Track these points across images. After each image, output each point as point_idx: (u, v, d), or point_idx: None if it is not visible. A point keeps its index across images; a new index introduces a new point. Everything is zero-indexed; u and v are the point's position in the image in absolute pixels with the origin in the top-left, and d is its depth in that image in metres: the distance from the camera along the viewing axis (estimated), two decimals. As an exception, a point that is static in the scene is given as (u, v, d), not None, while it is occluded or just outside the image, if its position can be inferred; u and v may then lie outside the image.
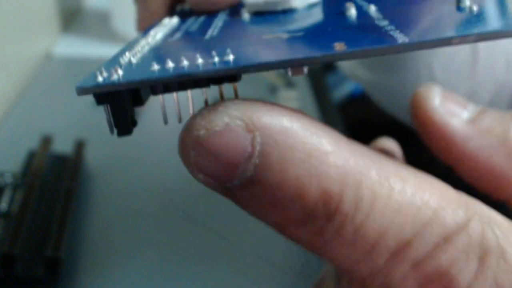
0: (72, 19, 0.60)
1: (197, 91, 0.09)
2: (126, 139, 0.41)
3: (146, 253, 0.28)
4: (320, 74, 0.49)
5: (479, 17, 0.09)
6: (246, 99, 0.08)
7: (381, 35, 0.09)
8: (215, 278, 0.26)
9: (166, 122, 0.10)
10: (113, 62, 0.09)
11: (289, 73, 0.09)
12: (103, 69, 0.09)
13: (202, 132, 0.08)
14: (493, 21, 0.08)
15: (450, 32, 0.08)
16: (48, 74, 0.48)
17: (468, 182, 0.10)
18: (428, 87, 0.10)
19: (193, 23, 0.14)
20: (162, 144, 0.39)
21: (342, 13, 0.11)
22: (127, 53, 0.10)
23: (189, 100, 0.09)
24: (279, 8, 0.13)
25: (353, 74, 0.34)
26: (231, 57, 0.08)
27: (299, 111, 0.09)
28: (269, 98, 0.39)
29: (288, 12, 0.13)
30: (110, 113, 0.09)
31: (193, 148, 0.08)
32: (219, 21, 0.13)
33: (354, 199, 0.08)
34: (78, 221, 0.29)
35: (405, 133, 0.20)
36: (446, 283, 0.08)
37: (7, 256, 0.24)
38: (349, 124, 0.42)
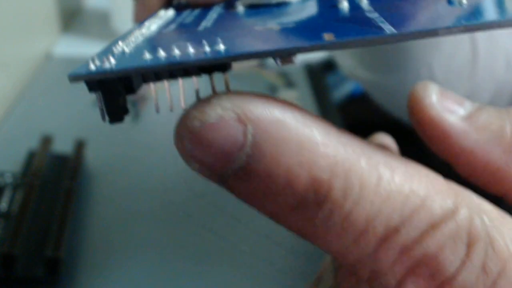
0: (72, 19, 0.60)
1: (190, 85, 0.09)
2: (126, 139, 0.42)
3: (146, 253, 0.28)
4: (320, 74, 0.49)
5: (469, 10, 0.09)
6: (238, 92, 0.09)
7: (370, 26, 0.09)
8: (215, 278, 0.26)
9: (157, 111, 0.10)
10: (106, 51, 0.10)
11: (278, 62, 0.09)
12: (95, 58, 0.09)
13: (196, 123, 0.08)
14: (481, 14, 0.08)
15: (438, 24, 0.08)
16: (48, 74, 0.48)
17: (466, 179, 0.10)
18: (425, 84, 0.10)
19: (188, 16, 0.14)
20: (162, 144, 0.39)
21: (335, 6, 0.11)
22: (120, 43, 0.10)
23: (180, 92, 0.10)
24: (273, 1, 0.13)
25: (353, 74, 0.34)
26: (221, 47, 0.09)
27: (291, 103, 0.09)
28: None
29: (282, 5, 0.13)
30: (102, 101, 0.09)
31: (188, 139, 0.08)
32: (214, 13, 0.13)
33: (343, 187, 0.08)
34: (78, 221, 0.29)
35: (405, 133, 0.20)
36: (434, 269, 0.08)
37: (7, 256, 0.24)
38: (349, 124, 0.42)
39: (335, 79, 0.52)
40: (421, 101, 0.10)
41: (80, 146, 0.33)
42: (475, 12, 0.09)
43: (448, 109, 0.10)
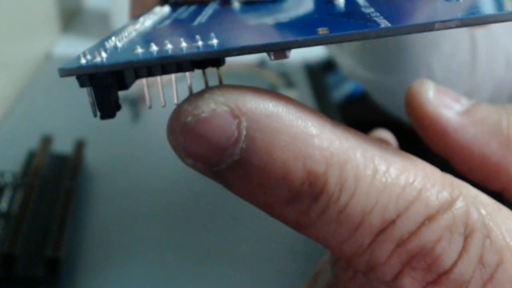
0: (72, 19, 0.60)
1: (183, 82, 0.09)
2: (126, 139, 0.42)
3: (146, 253, 0.28)
4: (320, 74, 0.49)
5: (465, 5, 0.09)
6: (231, 85, 0.09)
7: (365, 21, 0.09)
8: (215, 278, 0.26)
9: (150, 107, 0.10)
10: (98, 46, 0.10)
11: (272, 57, 0.09)
12: (87, 52, 0.09)
13: (189, 118, 0.08)
14: (478, 9, 0.08)
15: (433, 18, 0.08)
16: (48, 74, 0.48)
17: (463, 175, 0.10)
18: (423, 82, 0.10)
19: (184, 12, 0.14)
20: (162, 144, 0.39)
21: (331, 2, 0.11)
22: (113, 38, 0.10)
23: (173, 87, 0.10)
24: None
25: (353, 74, 0.34)
26: (215, 41, 0.09)
27: (285, 96, 0.09)
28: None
29: (278, 1, 0.13)
30: (93, 96, 0.09)
31: (181, 134, 0.08)
32: (210, 10, 0.13)
33: (338, 180, 0.08)
34: (78, 221, 0.29)
35: (405, 133, 0.20)
36: (431, 261, 0.08)
37: (7, 256, 0.24)
38: (349, 124, 0.42)
39: (335, 79, 0.52)
40: (419, 97, 0.10)
41: (80, 146, 0.33)
42: (472, 7, 0.09)
43: (445, 104, 0.10)
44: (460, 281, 0.08)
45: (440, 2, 0.09)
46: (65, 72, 0.08)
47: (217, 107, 0.08)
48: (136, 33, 0.11)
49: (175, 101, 0.09)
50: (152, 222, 0.30)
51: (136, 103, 0.42)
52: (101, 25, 0.57)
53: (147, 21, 0.12)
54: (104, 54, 0.09)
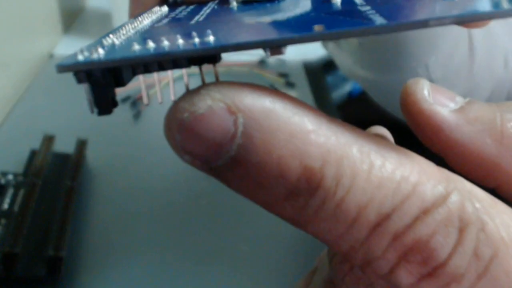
0: (73, 19, 0.60)
1: (182, 80, 0.09)
2: (127, 138, 0.42)
3: (147, 252, 0.28)
4: (320, 74, 0.49)
5: (461, 3, 0.09)
6: (228, 82, 0.09)
7: (361, 18, 0.09)
8: (215, 278, 0.26)
9: (147, 103, 0.10)
10: (96, 43, 0.10)
11: (268, 53, 0.09)
12: (84, 49, 0.09)
13: (185, 115, 0.08)
14: (473, 6, 0.09)
15: (429, 15, 0.08)
16: (50, 74, 0.48)
17: (458, 172, 0.10)
18: (417, 80, 0.10)
19: (182, 11, 0.14)
20: (163, 143, 0.39)
21: (328, 1, 0.11)
22: (111, 35, 0.10)
23: (170, 84, 0.10)
24: None
25: (352, 73, 0.34)
26: (211, 38, 0.09)
27: (282, 92, 0.09)
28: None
29: (275, 1, 0.13)
30: (90, 93, 0.09)
31: (178, 131, 0.08)
32: (208, 9, 0.13)
33: (335, 175, 0.08)
34: (80, 220, 0.29)
35: (404, 132, 0.21)
36: (426, 254, 0.08)
37: (9, 255, 0.24)
38: (348, 123, 0.42)
39: (335, 79, 0.52)
40: (413, 95, 0.10)
41: (81, 145, 0.33)
42: (468, 5, 0.09)
43: (440, 102, 0.10)
44: (455, 274, 0.08)
45: (436, 0, 0.09)
46: (62, 68, 0.09)
47: (214, 104, 0.08)
48: (134, 31, 0.11)
49: (172, 98, 0.09)
50: (152, 222, 0.30)
51: (137, 102, 0.42)
52: (102, 25, 0.58)
53: (145, 20, 0.12)
54: (101, 51, 0.09)
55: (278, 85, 0.46)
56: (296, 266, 0.27)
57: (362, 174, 0.08)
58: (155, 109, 0.45)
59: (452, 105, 0.10)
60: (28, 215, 0.26)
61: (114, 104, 0.09)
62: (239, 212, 0.30)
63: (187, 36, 0.09)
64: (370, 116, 0.40)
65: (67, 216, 0.27)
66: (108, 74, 0.09)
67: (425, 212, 0.08)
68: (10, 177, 0.30)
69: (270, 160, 0.08)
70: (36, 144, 0.32)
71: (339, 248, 0.09)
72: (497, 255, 0.08)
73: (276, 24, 0.10)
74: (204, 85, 0.09)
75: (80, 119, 0.40)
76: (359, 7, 0.10)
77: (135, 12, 0.16)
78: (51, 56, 0.51)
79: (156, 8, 0.14)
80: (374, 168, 0.08)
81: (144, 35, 0.11)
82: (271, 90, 0.09)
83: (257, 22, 0.10)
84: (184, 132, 0.08)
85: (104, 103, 0.09)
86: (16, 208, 0.27)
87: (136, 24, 0.12)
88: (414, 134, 0.11)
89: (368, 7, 0.10)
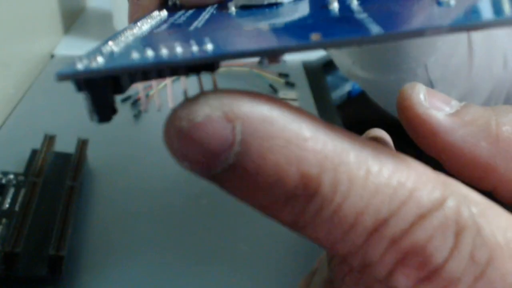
0: (74, 20, 0.60)
1: (179, 87, 0.09)
2: (128, 138, 0.42)
3: (147, 252, 0.28)
4: (320, 74, 0.49)
5: (459, 10, 0.09)
6: (226, 90, 0.09)
7: (357, 26, 0.09)
8: (215, 278, 0.27)
9: (145, 109, 0.10)
10: (95, 51, 0.10)
11: (266, 62, 0.09)
12: (83, 57, 0.09)
13: (183, 123, 0.08)
14: (471, 14, 0.09)
15: (425, 24, 0.08)
16: (51, 74, 0.48)
17: (454, 175, 0.10)
18: (414, 84, 0.10)
19: (181, 16, 0.14)
20: (163, 144, 0.39)
21: (326, 7, 0.11)
22: (110, 43, 0.10)
23: (168, 92, 0.10)
24: (265, 2, 0.13)
25: (351, 74, 0.35)
26: (209, 47, 0.09)
27: (280, 100, 0.09)
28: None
29: (274, 6, 0.13)
30: (90, 101, 0.09)
31: (177, 138, 0.08)
32: (207, 14, 0.14)
33: (332, 182, 0.08)
34: (80, 220, 0.29)
35: (403, 132, 0.21)
36: (423, 259, 0.08)
37: (10, 254, 0.24)
38: (348, 123, 0.42)
39: (334, 79, 0.52)
40: (409, 99, 0.10)
41: (82, 145, 0.33)
42: (467, 11, 0.09)
43: (436, 106, 0.10)
44: (452, 278, 0.08)
45: (433, 7, 0.09)
46: (62, 77, 0.09)
47: (212, 112, 0.08)
48: (133, 37, 0.11)
49: (170, 105, 0.09)
50: (153, 221, 0.30)
51: (137, 103, 0.42)
52: (103, 26, 0.58)
53: (144, 25, 0.12)
54: (100, 59, 0.09)
55: (278, 85, 0.46)
56: (296, 266, 0.27)
57: (359, 181, 0.08)
58: (155, 109, 0.45)
59: (448, 109, 0.10)
60: (29, 214, 0.26)
61: (114, 111, 0.09)
62: (239, 212, 0.30)
63: (186, 43, 0.09)
64: (370, 116, 0.40)
65: (68, 215, 0.27)
66: (107, 82, 0.09)
67: (422, 217, 0.08)
68: (11, 176, 0.30)
69: (267, 167, 0.08)
70: (37, 143, 0.32)
71: (337, 252, 0.09)
72: (493, 259, 0.09)
73: (274, 31, 0.10)
74: (202, 93, 0.09)
75: (81, 119, 0.40)
76: (356, 15, 0.10)
77: (135, 16, 0.16)
78: (52, 56, 0.51)
79: (156, 13, 0.14)
80: (371, 174, 0.08)
81: (143, 42, 0.11)
82: (270, 97, 0.09)
83: (256, 28, 0.10)
84: (183, 140, 0.08)
85: (103, 110, 0.09)
86: (17, 207, 0.28)
87: (135, 30, 0.12)
88: (412, 135, 0.11)
89: (365, 15, 0.10)
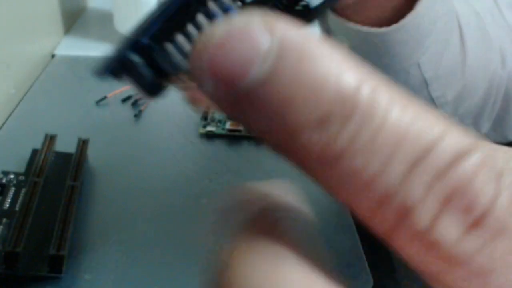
0: (75, 20, 0.61)
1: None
2: (128, 138, 0.42)
3: (147, 251, 0.28)
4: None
5: None
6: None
7: None
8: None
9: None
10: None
11: None
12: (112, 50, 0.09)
13: (220, 30, 0.08)
14: None
15: None
16: (52, 74, 0.48)
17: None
18: None
19: None
20: (164, 143, 0.40)
21: None
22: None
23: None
24: None
25: None
26: None
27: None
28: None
29: None
30: (132, 82, 0.09)
31: (210, 47, 0.08)
32: None
33: (371, 100, 0.08)
34: (81, 219, 0.30)
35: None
36: (468, 200, 0.08)
37: (11, 254, 0.24)
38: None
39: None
40: None
41: (83, 144, 0.33)
42: None
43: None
44: (499, 225, 0.08)
45: None
46: (98, 73, 0.09)
47: (250, 20, 0.08)
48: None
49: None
50: (153, 221, 0.30)
51: (137, 103, 0.42)
52: (103, 26, 0.58)
53: None
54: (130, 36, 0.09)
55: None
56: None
57: (400, 101, 0.08)
58: (155, 109, 0.45)
59: None
60: (30, 214, 0.26)
61: (161, 85, 0.09)
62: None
63: None
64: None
65: (68, 215, 0.27)
66: (137, 55, 0.09)
67: (465, 152, 0.08)
68: (12, 176, 0.30)
69: (304, 78, 0.07)
70: (37, 143, 0.32)
71: (372, 195, 0.08)
72: None
73: None
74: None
75: (81, 119, 0.40)
76: None
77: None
78: (52, 56, 0.52)
79: None
80: (411, 99, 0.08)
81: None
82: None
83: None
84: (216, 48, 0.08)
85: (148, 86, 0.09)
86: (17, 207, 0.28)
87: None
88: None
89: None
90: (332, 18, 0.27)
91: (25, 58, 0.47)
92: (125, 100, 0.42)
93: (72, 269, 0.26)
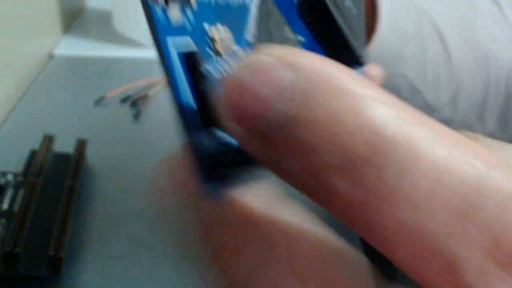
0: (74, 19, 0.60)
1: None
2: (127, 138, 0.41)
3: (146, 252, 0.28)
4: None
5: None
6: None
7: None
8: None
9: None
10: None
11: None
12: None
13: (243, 71, 0.08)
14: None
15: None
16: (50, 74, 0.48)
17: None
18: None
19: None
20: (163, 143, 0.39)
21: None
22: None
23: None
24: None
25: None
26: None
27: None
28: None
29: None
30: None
31: (232, 87, 0.08)
32: None
33: (408, 137, 0.07)
34: (80, 220, 0.29)
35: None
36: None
37: (10, 254, 0.24)
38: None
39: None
40: None
41: (81, 145, 0.33)
42: None
43: None
44: None
45: None
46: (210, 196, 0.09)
47: (271, 58, 0.08)
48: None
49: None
50: (152, 221, 0.30)
51: (137, 103, 0.42)
52: (102, 26, 0.58)
53: None
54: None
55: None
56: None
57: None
58: (155, 109, 0.45)
59: None
60: (28, 215, 0.26)
61: (215, 174, 0.09)
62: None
63: None
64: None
65: (67, 216, 0.27)
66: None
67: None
68: (10, 177, 0.30)
69: (331, 118, 0.07)
70: (36, 144, 0.32)
71: (420, 253, 0.07)
72: None
73: None
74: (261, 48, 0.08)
75: (80, 119, 0.40)
76: None
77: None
78: (51, 56, 0.51)
79: None
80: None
81: None
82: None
83: None
84: (239, 88, 0.08)
85: (208, 176, 0.09)
86: (15, 208, 0.28)
87: None
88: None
89: None
90: None
91: (24, 58, 0.47)
92: (124, 100, 0.42)
93: (71, 269, 0.26)
